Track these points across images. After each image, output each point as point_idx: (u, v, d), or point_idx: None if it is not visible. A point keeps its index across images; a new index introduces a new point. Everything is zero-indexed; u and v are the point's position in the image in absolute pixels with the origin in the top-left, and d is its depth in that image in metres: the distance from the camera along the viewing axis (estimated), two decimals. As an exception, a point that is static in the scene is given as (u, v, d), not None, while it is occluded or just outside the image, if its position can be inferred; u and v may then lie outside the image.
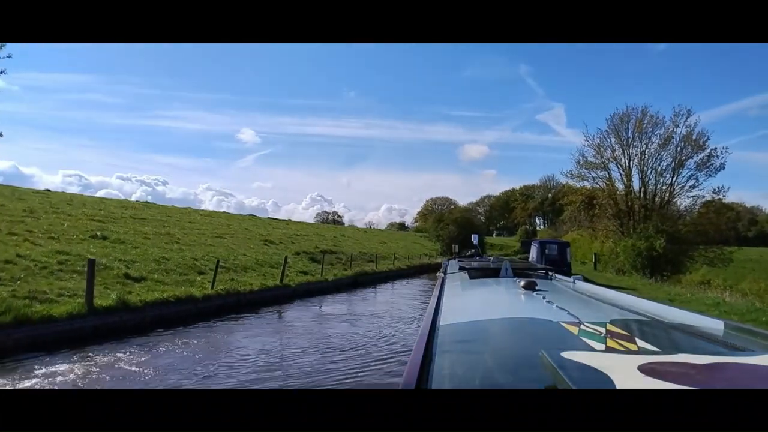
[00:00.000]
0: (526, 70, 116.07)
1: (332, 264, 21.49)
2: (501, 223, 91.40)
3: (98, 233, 14.90)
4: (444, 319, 2.43)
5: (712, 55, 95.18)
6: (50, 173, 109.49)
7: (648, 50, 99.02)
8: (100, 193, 53.87)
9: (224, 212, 45.30)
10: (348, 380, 6.27)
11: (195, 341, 7.94)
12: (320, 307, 12.69)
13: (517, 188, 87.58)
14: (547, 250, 21.77)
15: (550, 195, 79.06)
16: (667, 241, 24.25)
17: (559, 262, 19.49)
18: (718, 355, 1.60)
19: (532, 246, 24.20)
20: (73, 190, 51.69)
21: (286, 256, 14.58)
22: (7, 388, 5.38)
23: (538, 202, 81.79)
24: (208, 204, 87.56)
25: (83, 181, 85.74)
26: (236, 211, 54.31)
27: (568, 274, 12.05)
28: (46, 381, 5.65)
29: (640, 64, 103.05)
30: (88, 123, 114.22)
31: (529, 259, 21.80)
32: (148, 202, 37.40)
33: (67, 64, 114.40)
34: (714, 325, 2.15)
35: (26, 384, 5.53)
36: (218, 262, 11.39)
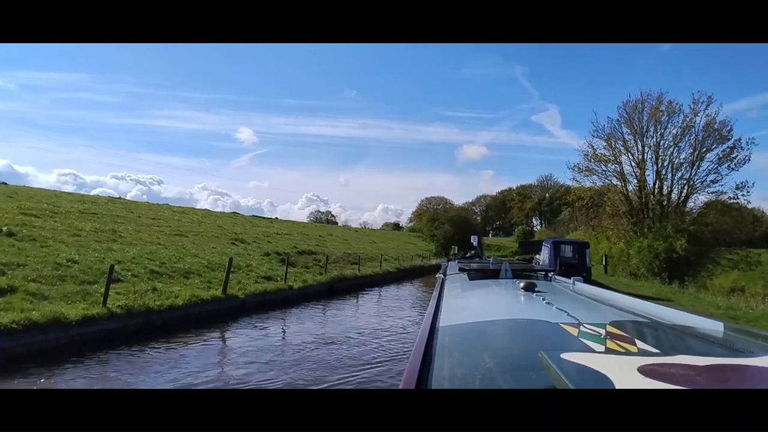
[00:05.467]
0: (521, 70, 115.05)
1: (308, 267, 18.50)
2: (497, 223, 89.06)
3: (4, 228, 11.86)
4: (444, 320, 2.40)
5: (710, 56, 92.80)
6: (45, 172, 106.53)
7: (643, 51, 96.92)
8: (95, 192, 51.01)
9: (205, 209, 42.26)
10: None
11: None
12: (268, 331, 9.05)
13: (514, 188, 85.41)
14: (562, 252, 17.80)
15: (547, 195, 77.02)
16: (687, 241, 21.68)
17: (577, 267, 16.11)
18: (718, 356, 1.46)
19: (543, 247, 20.23)
20: (68, 188, 49.61)
21: (231, 258, 11.09)
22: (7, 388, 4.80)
23: (535, 202, 79.65)
24: (204, 203, 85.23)
25: (78, 180, 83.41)
26: (232, 210, 51.40)
27: (589, 281, 9.13)
28: None
29: (636, 65, 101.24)
30: (84, 122, 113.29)
31: (540, 262, 18.56)
32: (116, 197, 34.33)
33: (63, 63, 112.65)
34: (714, 326, 2.10)
35: None
36: (112, 266, 7.85)
